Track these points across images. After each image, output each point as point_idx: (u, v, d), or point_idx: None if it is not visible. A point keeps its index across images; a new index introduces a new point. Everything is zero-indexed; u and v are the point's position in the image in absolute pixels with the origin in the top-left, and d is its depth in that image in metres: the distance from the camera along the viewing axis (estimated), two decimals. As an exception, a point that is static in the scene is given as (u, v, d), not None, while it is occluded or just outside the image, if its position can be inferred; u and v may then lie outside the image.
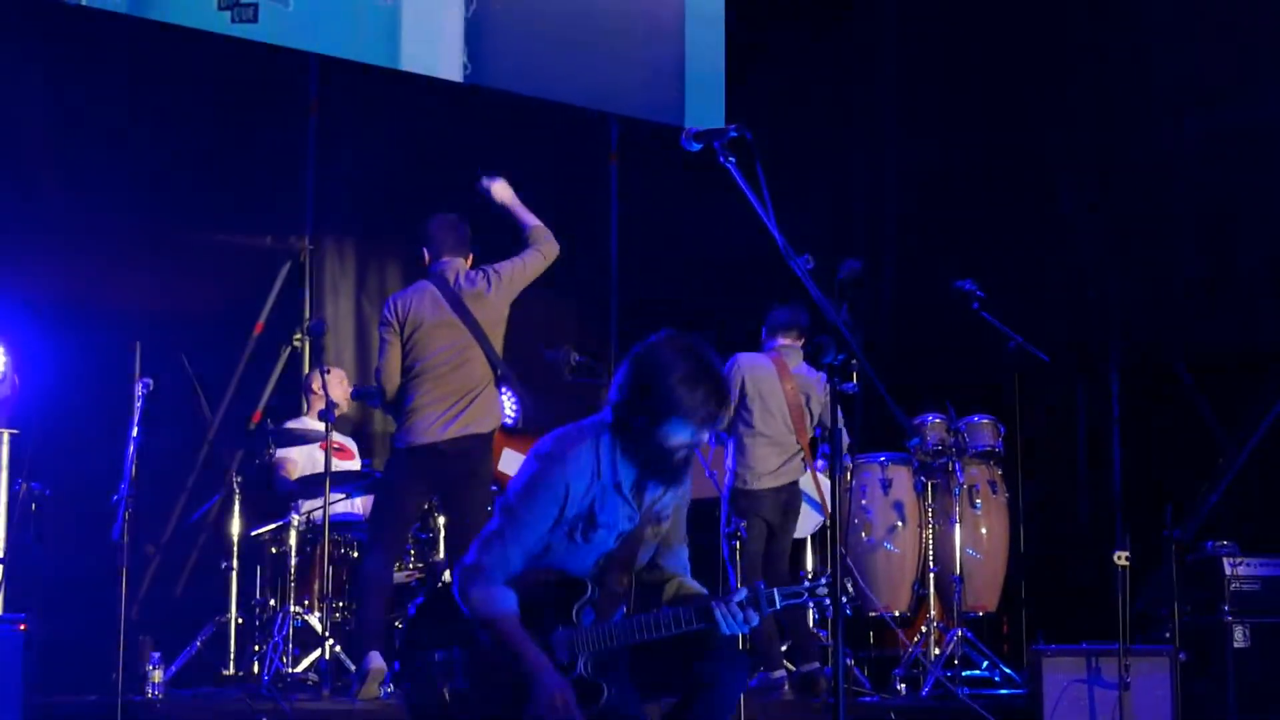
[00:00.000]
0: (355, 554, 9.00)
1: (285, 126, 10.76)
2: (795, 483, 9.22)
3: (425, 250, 8.35)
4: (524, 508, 5.21)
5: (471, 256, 8.39)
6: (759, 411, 9.10)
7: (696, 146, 5.58)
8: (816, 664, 8.96)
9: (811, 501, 9.47)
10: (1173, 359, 11.26)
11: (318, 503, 8.54)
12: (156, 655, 8.09)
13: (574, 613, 5.21)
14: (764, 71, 12.34)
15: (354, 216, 11.16)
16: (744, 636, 6.96)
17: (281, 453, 9.48)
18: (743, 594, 5.12)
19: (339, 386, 9.65)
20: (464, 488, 8.11)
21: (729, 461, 9.17)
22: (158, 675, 7.98)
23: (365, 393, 8.92)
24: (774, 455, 9.13)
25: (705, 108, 12.01)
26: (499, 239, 8.56)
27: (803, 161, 12.48)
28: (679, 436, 5.14)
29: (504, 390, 10.46)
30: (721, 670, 5.23)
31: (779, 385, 9.17)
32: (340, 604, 8.81)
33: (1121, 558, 8.40)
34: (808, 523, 9.62)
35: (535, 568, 5.23)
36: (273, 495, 9.51)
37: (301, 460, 9.46)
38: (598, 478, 5.23)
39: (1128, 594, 8.63)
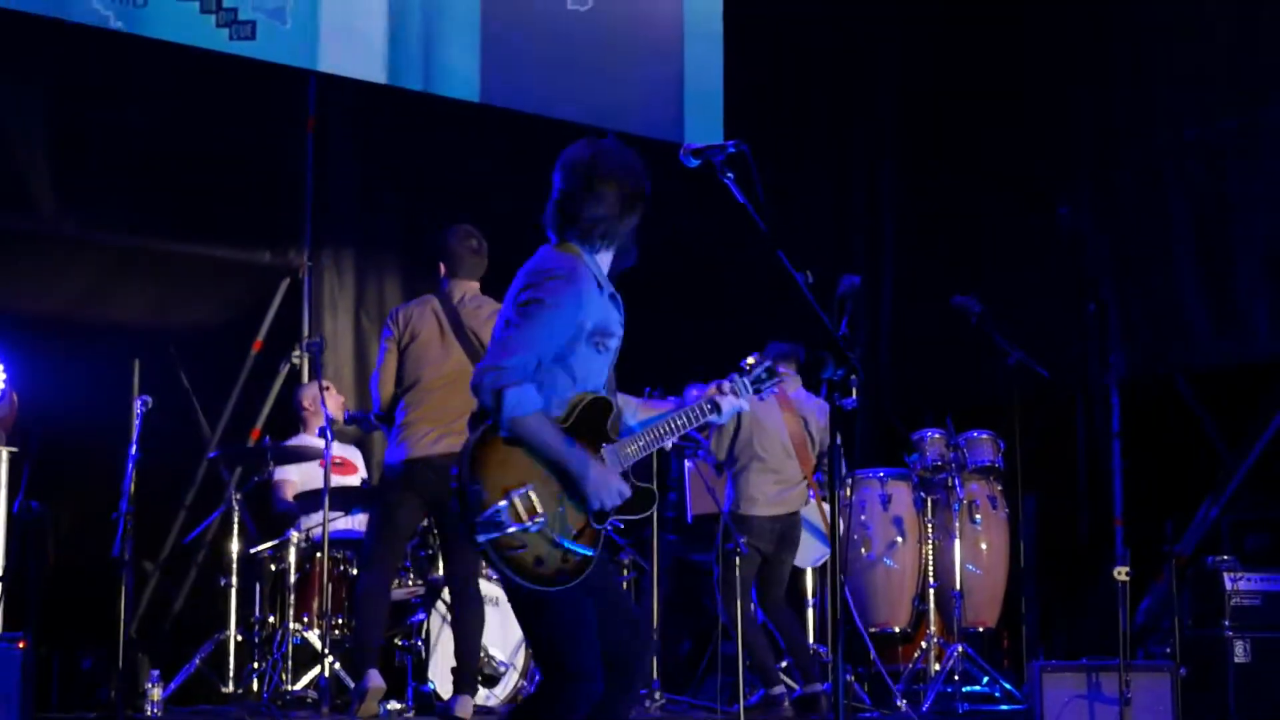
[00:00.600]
0: (354, 571, 8.98)
1: (283, 143, 10.76)
2: (795, 513, 9.17)
3: (441, 264, 8.29)
4: (545, 319, 5.17)
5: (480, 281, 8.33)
6: (757, 439, 9.06)
7: (694, 162, 5.58)
8: (819, 685, 8.94)
9: (816, 532, 9.43)
10: (1173, 372, 11.25)
11: (317, 519, 8.53)
12: (155, 673, 8.08)
13: (608, 428, 5.28)
14: (762, 87, 12.35)
15: (352, 233, 11.15)
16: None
17: (279, 474, 9.47)
18: (727, 381, 5.58)
19: (333, 401, 9.65)
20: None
21: (727, 488, 9.12)
22: (156, 693, 7.96)
23: (356, 418, 8.89)
24: (771, 483, 9.08)
25: (704, 125, 12.03)
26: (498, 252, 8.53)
27: (802, 176, 12.51)
28: (631, 216, 5.43)
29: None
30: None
31: (778, 413, 9.14)
32: (339, 621, 8.79)
33: (1122, 573, 8.40)
34: (811, 553, 9.56)
35: (564, 393, 5.21)
36: (271, 514, 9.51)
37: (299, 479, 9.45)
38: (599, 287, 5.32)
39: (1128, 609, 8.63)
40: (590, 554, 5.13)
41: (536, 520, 5.03)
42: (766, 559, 9.06)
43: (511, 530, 5.00)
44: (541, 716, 5.19)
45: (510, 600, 5.30)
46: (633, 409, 5.52)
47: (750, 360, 5.72)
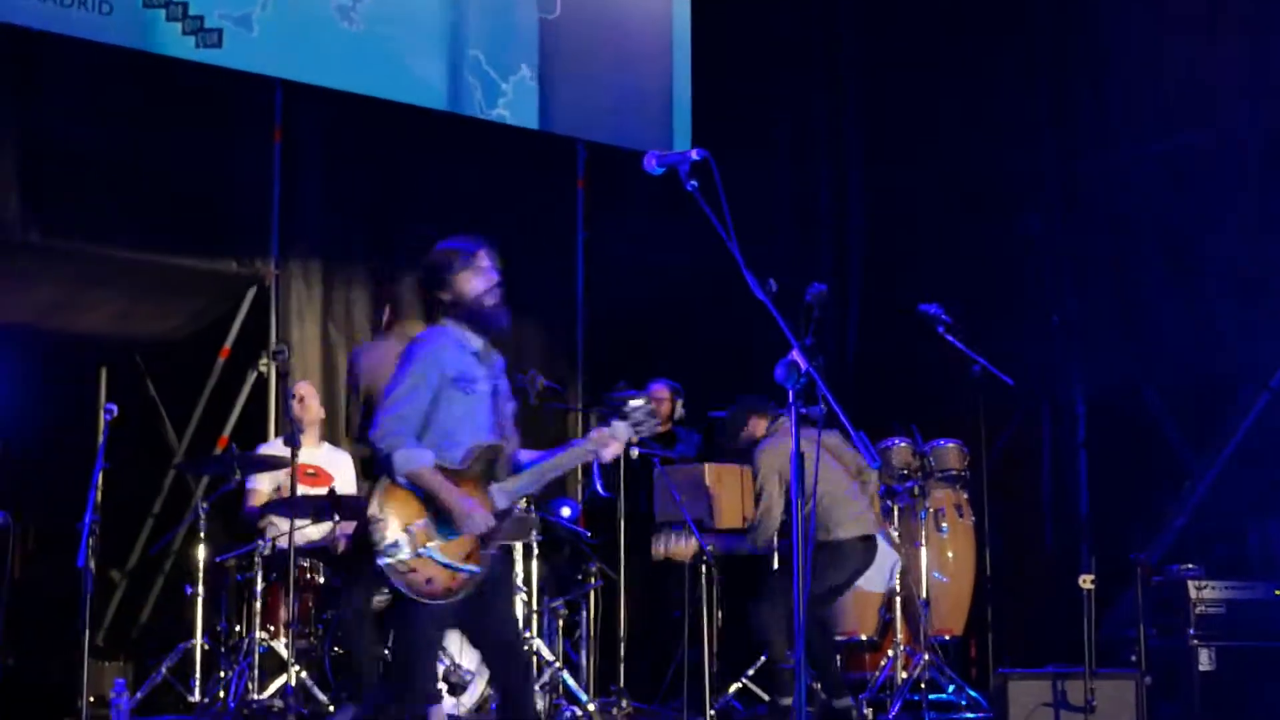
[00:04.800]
0: (321, 580, 8.97)
1: (250, 151, 10.73)
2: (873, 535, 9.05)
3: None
4: (410, 381, 6.28)
5: None
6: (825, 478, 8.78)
7: (659, 170, 5.62)
8: (850, 698, 8.85)
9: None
10: (1139, 382, 11.29)
11: (285, 526, 8.50)
12: (121, 682, 8.06)
13: (496, 469, 6.33)
14: (729, 95, 12.37)
15: (320, 241, 11.12)
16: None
17: (251, 483, 9.45)
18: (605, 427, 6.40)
19: (312, 401, 9.63)
20: None
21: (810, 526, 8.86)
22: (122, 702, 7.93)
23: None
24: (851, 505, 8.88)
25: (669, 133, 12.06)
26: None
27: (769, 185, 12.53)
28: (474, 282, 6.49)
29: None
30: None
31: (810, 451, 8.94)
32: (307, 630, 8.78)
33: (1087, 581, 8.43)
34: (882, 576, 9.44)
35: (454, 444, 6.27)
36: (239, 522, 9.49)
37: (267, 490, 9.42)
38: (462, 348, 6.40)
39: (1093, 617, 8.66)
40: (475, 572, 6.17)
41: (428, 547, 6.11)
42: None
43: (405, 556, 6.08)
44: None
45: (388, 612, 6.45)
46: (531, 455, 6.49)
47: (636, 401, 6.42)
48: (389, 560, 6.06)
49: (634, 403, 6.39)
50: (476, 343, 6.44)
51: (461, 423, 6.27)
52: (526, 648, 8.88)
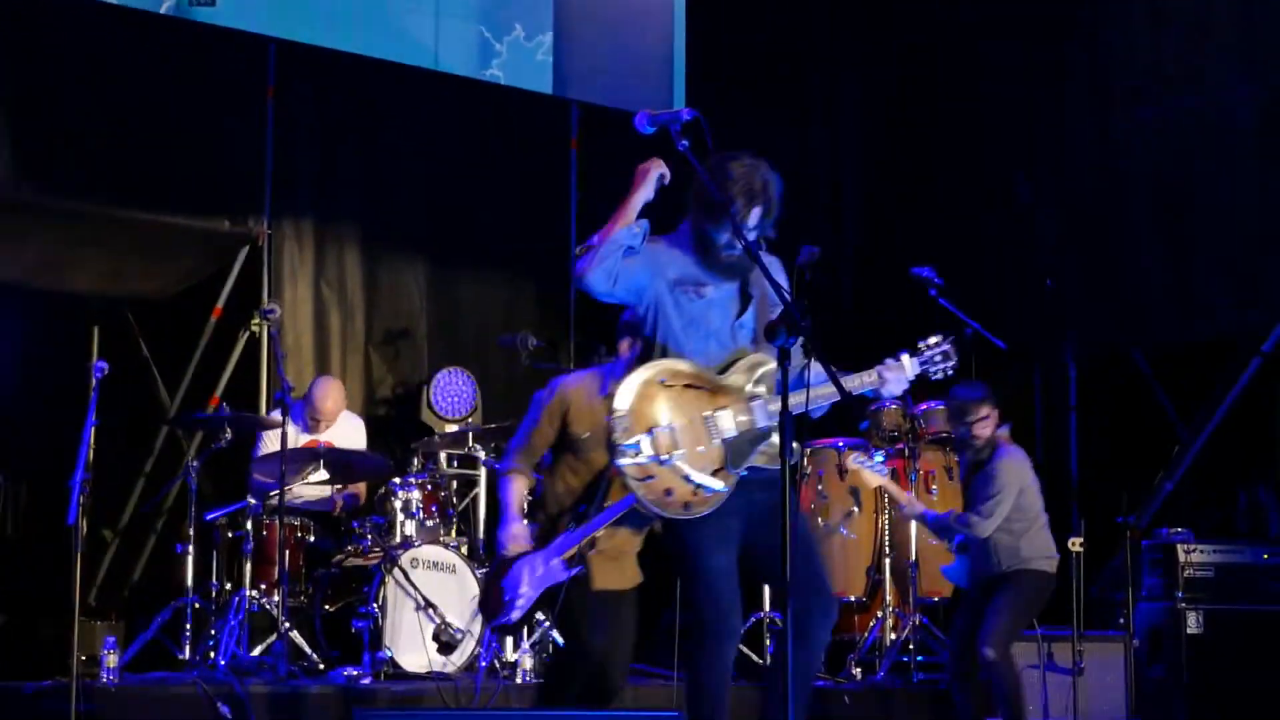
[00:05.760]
0: (311, 539, 8.99)
1: (243, 110, 10.71)
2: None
3: None
4: None
5: None
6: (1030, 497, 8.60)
7: (651, 130, 5.62)
8: None
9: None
10: (1130, 347, 11.30)
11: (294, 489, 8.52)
12: (112, 639, 8.08)
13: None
14: (723, 57, 12.35)
15: (313, 201, 11.12)
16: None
17: (261, 448, 9.50)
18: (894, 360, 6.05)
19: (332, 398, 9.65)
20: None
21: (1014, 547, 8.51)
22: (113, 659, 7.96)
23: None
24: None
25: (669, 96, 12.04)
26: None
27: (762, 147, 12.49)
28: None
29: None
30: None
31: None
32: (297, 588, 8.80)
33: (1076, 544, 8.46)
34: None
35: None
36: (232, 479, 9.51)
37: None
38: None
39: (1082, 580, 8.69)
40: (718, 490, 5.67)
41: (672, 455, 5.63)
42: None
43: (645, 460, 5.59)
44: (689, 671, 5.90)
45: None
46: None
47: (933, 340, 6.02)
48: (626, 462, 5.62)
49: (932, 339, 6.04)
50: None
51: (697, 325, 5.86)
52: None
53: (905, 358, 5.94)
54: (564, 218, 12.01)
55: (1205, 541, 9.46)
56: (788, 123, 12.99)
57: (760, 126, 12.25)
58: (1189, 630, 9.28)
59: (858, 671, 9.52)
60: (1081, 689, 8.75)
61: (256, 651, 8.57)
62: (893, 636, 9.65)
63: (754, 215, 5.83)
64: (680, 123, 5.60)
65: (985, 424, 8.54)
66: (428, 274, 11.46)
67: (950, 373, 6.02)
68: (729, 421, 5.71)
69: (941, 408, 10.04)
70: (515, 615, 6.58)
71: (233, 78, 10.71)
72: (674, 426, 5.65)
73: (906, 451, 9.81)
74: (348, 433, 9.75)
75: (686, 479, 5.65)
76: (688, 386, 5.72)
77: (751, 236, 5.78)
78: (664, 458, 5.62)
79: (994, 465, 8.42)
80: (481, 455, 9.58)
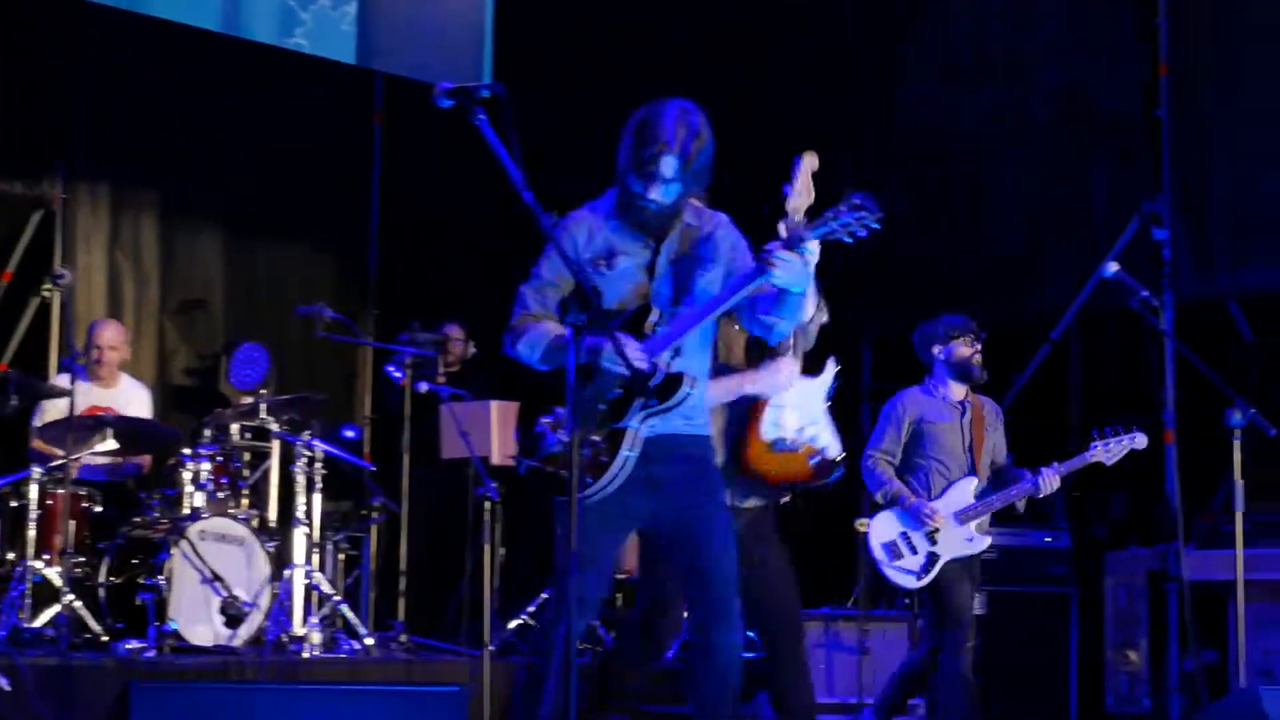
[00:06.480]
0: (98, 508, 8.84)
1: (42, 72, 10.52)
2: None
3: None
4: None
5: None
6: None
7: (448, 103, 5.55)
8: None
9: None
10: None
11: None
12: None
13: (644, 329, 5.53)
14: (534, 28, 12.26)
15: (110, 167, 10.94)
16: None
17: (38, 416, 9.34)
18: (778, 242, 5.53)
19: (110, 332, 9.53)
20: None
21: None
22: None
23: None
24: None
25: (475, 66, 11.94)
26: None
27: (571, 119, 12.46)
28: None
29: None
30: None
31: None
32: (81, 559, 8.65)
33: (863, 524, 8.58)
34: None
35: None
36: (18, 448, 9.34)
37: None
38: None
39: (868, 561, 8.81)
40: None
41: None
42: None
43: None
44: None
45: None
46: None
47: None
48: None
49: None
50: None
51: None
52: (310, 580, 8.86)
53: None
54: (366, 190, 11.95)
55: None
56: (597, 96, 12.95)
57: (569, 100, 12.24)
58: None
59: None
60: (866, 667, 8.88)
61: (39, 623, 8.40)
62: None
63: (666, 164, 5.71)
64: (478, 96, 5.55)
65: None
66: (226, 244, 11.34)
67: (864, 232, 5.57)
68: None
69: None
70: None
71: (35, 39, 10.50)
72: None
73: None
74: (130, 398, 9.59)
75: None
76: None
77: (671, 189, 5.70)
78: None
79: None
80: (274, 427, 9.43)
